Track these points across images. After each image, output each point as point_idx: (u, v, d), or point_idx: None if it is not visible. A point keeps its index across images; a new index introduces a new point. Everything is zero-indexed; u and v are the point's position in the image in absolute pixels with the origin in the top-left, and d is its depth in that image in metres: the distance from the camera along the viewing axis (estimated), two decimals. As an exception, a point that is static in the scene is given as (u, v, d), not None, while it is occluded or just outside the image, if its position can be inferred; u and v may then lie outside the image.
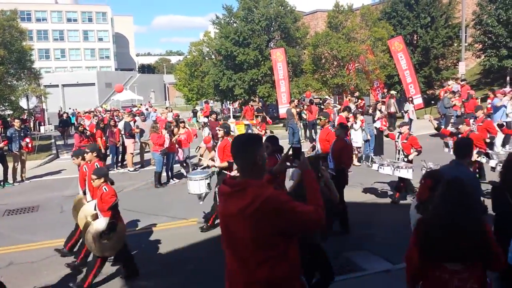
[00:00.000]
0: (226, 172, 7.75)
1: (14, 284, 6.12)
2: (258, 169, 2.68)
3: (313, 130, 19.30)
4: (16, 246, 7.72)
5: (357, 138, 13.90)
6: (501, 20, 23.16)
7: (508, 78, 24.75)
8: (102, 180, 5.80)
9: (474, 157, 7.79)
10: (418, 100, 21.50)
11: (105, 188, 5.75)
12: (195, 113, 30.52)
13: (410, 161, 8.85)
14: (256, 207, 2.49)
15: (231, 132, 8.52)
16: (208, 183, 7.72)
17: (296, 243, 2.69)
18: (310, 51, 25.09)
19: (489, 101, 15.74)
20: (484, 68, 27.06)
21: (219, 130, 8.52)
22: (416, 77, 23.12)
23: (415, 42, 26.62)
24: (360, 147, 14.01)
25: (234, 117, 27.31)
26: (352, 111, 15.02)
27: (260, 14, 27.04)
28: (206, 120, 17.15)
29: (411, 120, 18.69)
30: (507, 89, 17.68)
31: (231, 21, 29.16)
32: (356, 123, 14.09)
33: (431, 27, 25.72)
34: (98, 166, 6.47)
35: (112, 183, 6.05)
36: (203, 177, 7.64)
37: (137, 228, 8.33)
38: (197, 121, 27.11)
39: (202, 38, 36.13)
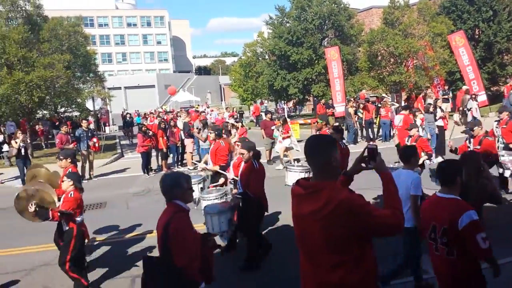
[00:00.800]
0: (222, 174, 7.84)
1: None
2: (332, 170, 2.64)
3: (369, 129, 19.07)
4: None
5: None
6: None
7: None
8: (71, 183, 5.74)
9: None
10: (482, 97, 20.55)
11: (71, 194, 5.69)
12: (241, 115, 30.86)
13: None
14: (330, 210, 2.45)
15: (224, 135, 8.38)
16: (201, 187, 7.75)
17: (372, 247, 2.63)
18: (365, 49, 24.71)
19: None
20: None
21: (210, 133, 8.44)
22: (479, 73, 22.10)
23: (477, 37, 25.47)
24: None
25: (289, 116, 27.41)
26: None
27: (313, 13, 26.96)
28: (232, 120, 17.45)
29: (474, 118, 17.95)
30: None
31: (284, 21, 29.30)
32: (415, 121, 13.78)
33: (494, 21, 24.51)
34: (71, 171, 6.45)
35: (82, 190, 6.00)
36: (195, 182, 7.52)
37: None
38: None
39: (256, 39, 36.49)
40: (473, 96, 18.97)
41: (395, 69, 23.47)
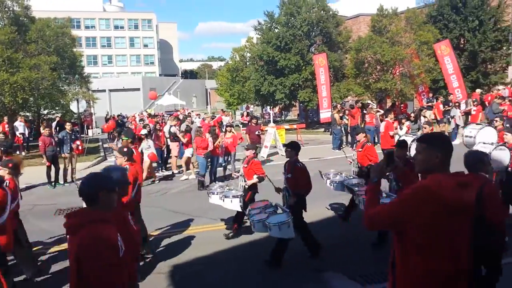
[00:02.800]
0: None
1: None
2: None
3: (354, 135, 19.11)
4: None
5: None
6: (555, 22, 22.14)
7: None
8: None
9: None
10: (465, 105, 20.83)
11: None
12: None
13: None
14: None
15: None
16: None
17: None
18: (352, 56, 24.86)
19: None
20: (536, 72, 25.91)
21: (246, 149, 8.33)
22: (463, 82, 22.43)
23: (462, 46, 25.82)
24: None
25: (275, 121, 27.39)
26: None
27: (302, 19, 27.06)
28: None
29: (457, 125, 18.15)
30: None
31: (273, 27, 29.35)
32: (401, 128, 13.85)
33: (479, 30, 24.89)
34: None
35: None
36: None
37: (180, 230, 8.54)
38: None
39: (244, 44, 36.54)
40: (457, 104, 19.22)
41: (381, 76, 23.66)
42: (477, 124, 11.27)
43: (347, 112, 19.80)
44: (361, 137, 9.06)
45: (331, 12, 28.11)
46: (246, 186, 7.92)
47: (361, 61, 24.39)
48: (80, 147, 14.36)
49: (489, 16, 25.13)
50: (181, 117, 20.50)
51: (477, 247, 3.05)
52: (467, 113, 18.99)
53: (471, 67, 25.35)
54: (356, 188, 7.54)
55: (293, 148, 6.95)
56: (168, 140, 15.27)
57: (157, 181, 13.59)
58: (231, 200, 7.51)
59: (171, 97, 46.38)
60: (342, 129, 19.37)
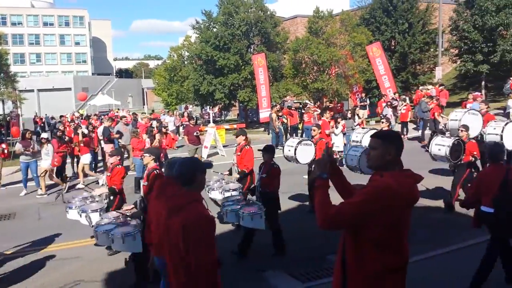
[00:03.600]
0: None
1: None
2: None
3: (294, 134, 19.43)
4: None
5: (338, 142, 14.01)
6: (477, 25, 23.68)
7: (483, 83, 25.32)
8: None
9: None
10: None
11: None
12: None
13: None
14: None
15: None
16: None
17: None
18: (291, 56, 25.20)
19: (469, 105, 15.92)
20: (460, 73, 27.63)
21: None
22: (394, 82, 23.48)
23: (393, 47, 26.98)
24: (341, 151, 14.08)
25: (214, 121, 27.18)
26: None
27: (240, 19, 27.05)
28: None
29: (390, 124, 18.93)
30: (477, 93, 18.11)
31: (211, 26, 29.11)
32: (337, 127, 14.22)
33: (409, 33, 26.11)
34: None
35: None
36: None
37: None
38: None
39: (182, 43, 35.93)
40: (389, 103, 20.06)
41: (318, 76, 24.16)
42: (363, 128, 11.68)
43: (286, 111, 20.05)
44: (240, 139, 8.50)
45: (269, 13, 28.30)
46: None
47: (299, 61, 24.78)
48: (5, 151, 13.40)
49: (418, 19, 26.44)
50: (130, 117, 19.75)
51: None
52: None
53: (401, 68, 26.55)
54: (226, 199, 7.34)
55: (268, 151, 7.21)
56: (102, 142, 14.62)
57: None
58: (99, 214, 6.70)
59: (105, 97, 44.73)
60: (281, 128, 19.62)
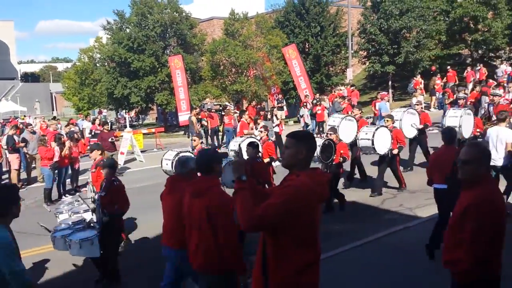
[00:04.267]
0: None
1: None
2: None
3: (215, 137, 19.25)
4: None
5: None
6: (383, 29, 25.17)
7: (390, 83, 26.99)
8: None
9: None
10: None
11: None
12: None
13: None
14: None
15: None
16: None
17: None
18: (208, 58, 24.99)
19: (378, 105, 16.80)
20: (369, 73, 29.23)
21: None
22: (309, 83, 24.21)
23: (307, 50, 27.80)
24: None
25: (131, 126, 26.19)
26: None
27: (155, 20, 26.33)
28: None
29: (307, 124, 19.45)
30: (384, 93, 19.30)
31: (124, 27, 28.01)
32: (257, 128, 14.28)
33: (321, 35, 27.04)
34: None
35: None
36: None
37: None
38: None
39: (93, 44, 34.17)
40: (305, 104, 20.64)
41: (237, 78, 24.21)
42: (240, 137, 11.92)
43: (206, 114, 19.81)
44: (95, 155, 7.86)
45: (184, 14, 27.87)
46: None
47: (217, 63, 24.65)
48: None
49: (329, 23, 27.48)
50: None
51: None
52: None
53: (316, 69, 27.44)
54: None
55: (254, 147, 7.18)
56: (6, 152, 13.37)
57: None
58: (81, 216, 6.70)
59: (9, 103, 41.42)
60: (201, 131, 19.39)
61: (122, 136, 17.71)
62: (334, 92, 23.48)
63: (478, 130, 10.63)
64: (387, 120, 9.83)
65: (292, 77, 24.18)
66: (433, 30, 26.16)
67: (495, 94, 12.78)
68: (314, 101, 19.10)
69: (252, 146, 7.43)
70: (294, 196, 2.77)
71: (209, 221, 3.62)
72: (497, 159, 7.23)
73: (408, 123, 10.70)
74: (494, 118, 11.00)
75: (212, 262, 3.66)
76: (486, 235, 3.09)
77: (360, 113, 11.58)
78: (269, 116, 17.93)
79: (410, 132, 10.83)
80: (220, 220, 3.59)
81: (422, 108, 12.81)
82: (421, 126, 10.99)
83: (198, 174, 4.05)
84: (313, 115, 18.86)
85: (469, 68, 24.60)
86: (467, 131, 10.30)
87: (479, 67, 24.48)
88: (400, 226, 7.53)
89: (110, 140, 14.18)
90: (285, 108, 23.63)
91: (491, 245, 3.13)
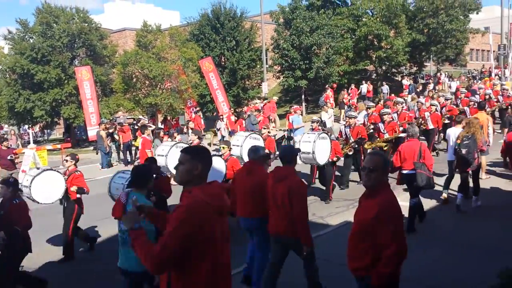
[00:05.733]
0: None
1: None
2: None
3: (128, 152, 18.42)
4: None
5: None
6: (295, 45, 26.04)
7: (303, 96, 27.93)
8: None
9: None
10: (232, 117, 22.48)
11: None
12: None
13: None
14: None
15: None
16: None
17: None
18: (120, 70, 24.05)
19: (291, 118, 17.21)
20: (283, 87, 30.04)
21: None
22: (226, 96, 24.27)
23: (223, 63, 27.95)
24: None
25: (35, 142, 24.34)
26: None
27: (61, 30, 24.89)
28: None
29: (223, 137, 19.38)
30: (296, 106, 19.93)
31: (27, 37, 26.16)
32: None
33: (237, 50, 27.36)
34: None
35: None
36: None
37: None
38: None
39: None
40: (221, 116, 20.61)
41: (151, 91, 23.56)
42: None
43: (118, 128, 18.92)
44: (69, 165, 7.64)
45: (94, 24, 26.70)
46: None
47: (129, 75, 23.81)
48: None
49: (244, 37, 27.91)
50: None
51: None
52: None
53: (232, 83, 27.63)
54: None
55: (8, 184, 6.07)
56: None
57: None
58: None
59: None
60: (113, 146, 18.52)
61: (23, 153, 16.30)
62: (250, 105, 23.75)
63: (337, 155, 9.74)
64: (223, 147, 8.85)
65: (210, 89, 24.08)
66: (341, 47, 27.62)
67: (397, 102, 13.65)
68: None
69: (7, 184, 6.08)
70: (186, 215, 2.71)
71: (289, 200, 4.81)
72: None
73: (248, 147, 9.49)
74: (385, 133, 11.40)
75: (288, 230, 4.92)
76: (400, 235, 3.35)
77: (268, 132, 11.52)
78: (184, 130, 17.63)
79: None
80: (296, 199, 4.83)
81: (318, 125, 12.36)
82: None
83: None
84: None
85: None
86: (322, 157, 9.09)
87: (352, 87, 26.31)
88: (313, 234, 7.58)
89: (9, 158, 12.98)
90: (202, 121, 23.39)
91: (405, 245, 3.38)
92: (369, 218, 3.40)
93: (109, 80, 26.54)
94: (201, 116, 23.56)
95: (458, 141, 8.12)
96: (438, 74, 34.05)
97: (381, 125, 11.61)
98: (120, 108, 25.07)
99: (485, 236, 6.95)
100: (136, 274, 4.32)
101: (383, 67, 31.33)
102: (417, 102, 15.91)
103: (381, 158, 3.59)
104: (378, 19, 28.61)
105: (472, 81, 31.51)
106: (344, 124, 11.78)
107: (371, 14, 30.17)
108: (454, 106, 15.57)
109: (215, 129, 21.23)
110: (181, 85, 23.82)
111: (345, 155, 10.56)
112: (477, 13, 33.27)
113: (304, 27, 25.73)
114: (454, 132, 8.95)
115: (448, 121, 13.22)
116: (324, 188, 10.24)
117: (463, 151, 7.88)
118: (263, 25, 27.74)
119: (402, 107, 13.80)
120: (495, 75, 31.58)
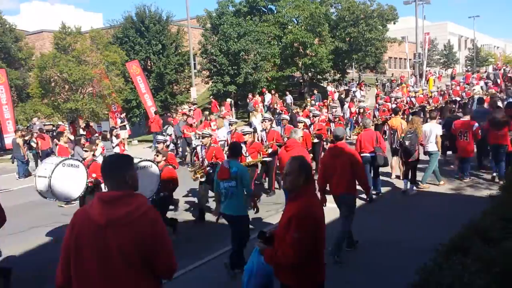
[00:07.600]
0: None
1: None
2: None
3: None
4: None
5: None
6: (223, 50, 26.01)
7: (232, 102, 27.94)
8: None
9: None
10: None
11: None
12: None
13: None
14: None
15: None
16: None
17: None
18: (37, 74, 22.62)
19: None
20: (212, 92, 29.89)
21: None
22: (153, 101, 23.68)
23: (150, 67, 27.22)
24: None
25: None
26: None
27: (-30, 31, 23.03)
28: None
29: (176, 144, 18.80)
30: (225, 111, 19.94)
31: None
32: (96, 150, 13.22)
33: (163, 54, 26.74)
34: None
35: None
36: None
37: None
38: None
39: None
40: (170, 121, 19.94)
41: (71, 96, 22.38)
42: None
43: (37, 134, 17.73)
44: None
45: (8, 26, 25.01)
46: None
47: (47, 79, 22.46)
48: None
49: (171, 41, 27.36)
50: None
51: None
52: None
53: (159, 87, 26.94)
54: None
55: None
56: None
57: None
58: None
59: None
60: (30, 154, 17.32)
61: None
62: (178, 111, 23.31)
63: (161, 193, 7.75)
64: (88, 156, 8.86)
65: (138, 94, 23.38)
66: (268, 53, 28.08)
67: (315, 114, 13.34)
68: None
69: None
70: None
71: (350, 169, 6.29)
72: (429, 146, 10.03)
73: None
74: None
75: (349, 191, 6.38)
76: (303, 244, 3.29)
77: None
78: (108, 136, 16.84)
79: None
80: (354, 167, 6.34)
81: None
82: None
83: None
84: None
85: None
86: (144, 188, 6.92)
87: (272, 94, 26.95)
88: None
89: None
90: (127, 127, 22.58)
91: (308, 253, 3.35)
92: (284, 222, 3.48)
93: (25, 84, 24.92)
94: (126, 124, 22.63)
95: (403, 135, 9.53)
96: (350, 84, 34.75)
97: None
98: (38, 114, 23.58)
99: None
100: (234, 216, 5.97)
101: (309, 74, 32.29)
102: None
103: (297, 162, 3.65)
104: (302, 27, 29.48)
105: (388, 88, 33.62)
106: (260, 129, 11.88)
107: (296, 22, 31.04)
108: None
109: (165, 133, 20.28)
110: (104, 89, 22.87)
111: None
112: (394, 23, 35.46)
113: (231, 33, 25.81)
114: (429, 128, 10.08)
115: (318, 140, 11.98)
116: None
117: (407, 143, 9.28)
118: (190, 30, 27.42)
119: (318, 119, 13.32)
120: (414, 83, 33.70)
